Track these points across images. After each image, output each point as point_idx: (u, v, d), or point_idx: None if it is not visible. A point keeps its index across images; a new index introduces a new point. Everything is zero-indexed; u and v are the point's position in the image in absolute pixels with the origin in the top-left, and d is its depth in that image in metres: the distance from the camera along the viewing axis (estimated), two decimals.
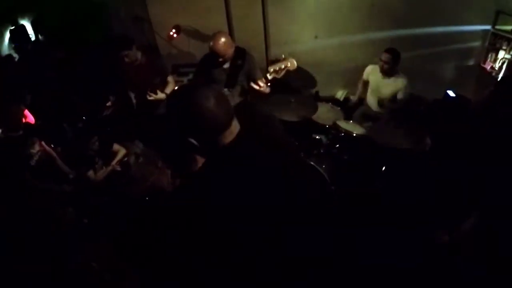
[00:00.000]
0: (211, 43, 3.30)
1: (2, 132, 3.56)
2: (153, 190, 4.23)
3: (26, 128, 3.62)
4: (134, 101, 4.26)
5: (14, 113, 3.59)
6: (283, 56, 3.14)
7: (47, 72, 4.83)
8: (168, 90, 3.95)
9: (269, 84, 3.25)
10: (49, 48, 5.02)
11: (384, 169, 3.50)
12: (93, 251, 3.22)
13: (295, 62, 3.12)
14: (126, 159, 4.37)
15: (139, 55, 3.92)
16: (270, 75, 3.18)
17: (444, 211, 2.82)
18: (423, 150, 3.39)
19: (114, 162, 4.22)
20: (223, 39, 3.31)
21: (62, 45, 5.00)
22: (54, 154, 3.84)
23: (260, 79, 3.25)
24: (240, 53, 3.54)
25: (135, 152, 4.60)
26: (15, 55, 4.87)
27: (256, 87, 3.21)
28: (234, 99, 3.60)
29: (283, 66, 3.13)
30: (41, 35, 5.01)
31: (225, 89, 3.59)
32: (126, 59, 3.85)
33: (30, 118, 4.20)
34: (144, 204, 3.95)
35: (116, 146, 4.30)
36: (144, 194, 4.10)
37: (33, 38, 4.95)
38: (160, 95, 3.82)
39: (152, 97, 3.80)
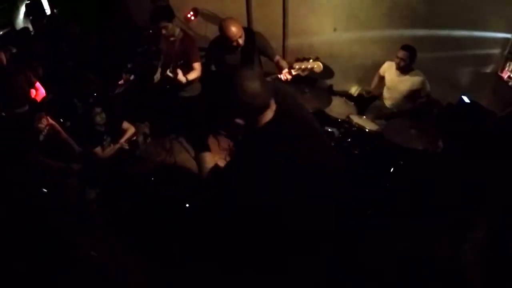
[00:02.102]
0: (222, 28, 3.32)
1: (7, 110, 3.52)
2: (159, 171, 4.26)
3: (32, 103, 3.59)
4: (158, 77, 4.05)
5: (19, 85, 3.55)
6: (311, 58, 3.14)
7: (62, 46, 4.81)
8: (192, 76, 3.76)
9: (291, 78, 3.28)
10: (65, 23, 4.99)
11: (393, 169, 3.48)
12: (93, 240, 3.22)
13: (322, 66, 3.14)
14: (135, 138, 4.39)
15: (177, 31, 3.75)
16: (295, 71, 3.21)
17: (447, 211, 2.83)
18: (435, 151, 3.38)
19: (122, 140, 4.23)
20: (234, 26, 3.32)
21: (77, 21, 4.97)
22: (61, 129, 3.84)
23: (278, 58, 3.42)
24: (249, 34, 3.55)
25: (144, 132, 4.61)
26: (31, 29, 4.86)
27: (283, 77, 3.26)
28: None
29: (309, 67, 3.15)
30: (56, 10, 4.99)
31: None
32: (164, 31, 3.65)
33: (41, 91, 4.18)
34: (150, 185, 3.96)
35: (125, 124, 4.30)
36: (150, 174, 4.13)
37: (48, 12, 4.93)
38: (181, 78, 3.63)
39: (170, 74, 3.65)
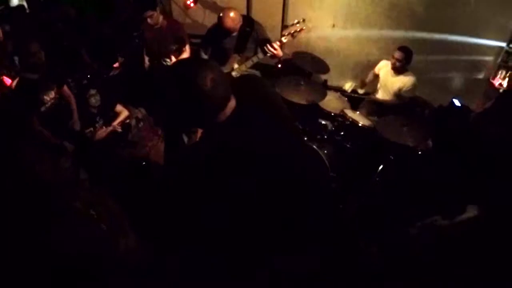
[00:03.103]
0: (221, 20, 3.45)
1: (20, 67, 3.46)
2: (150, 156, 4.25)
3: (44, 72, 3.54)
4: (147, 64, 4.20)
5: (33, 52, 3.50)
6: (296, 20, 3.25)
7: (57, 25, 4.76)
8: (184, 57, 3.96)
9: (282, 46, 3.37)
10: (61, 4, 4.94)
11: (383, 163, 3.54)
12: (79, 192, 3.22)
13: (310, 27, 3.28)
14: (128, 121, 4.37)
15: (161, 18, 3.91)
16: (285, 38, 3.32)
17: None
18: (425, 149, 3.46)
19: (115, 123, 4.21)
20: (232, 16, 3.45)
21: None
22: (74, 103, 3.80)
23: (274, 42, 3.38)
24: (248, 21, 3.67)
25: (137, 116, 4.59)
26: (26, 7, 4.79)
27: (272, 49, 3.32)
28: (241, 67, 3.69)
29: (298, 29, 3.26)
30: None
31: (235, 55, 3.70)
32: (149, 20, 3.82)
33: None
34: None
35: (119, 107, 4.27)
36: (141, 159, 4.12)
37: None
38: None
39: (167, 62, 3.88)
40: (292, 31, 3.29)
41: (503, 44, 4.39)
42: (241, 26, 3.58)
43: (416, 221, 2.83)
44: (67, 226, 1.04)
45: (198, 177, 1.51)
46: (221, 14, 3.45)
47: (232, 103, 1.47)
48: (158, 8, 3.84)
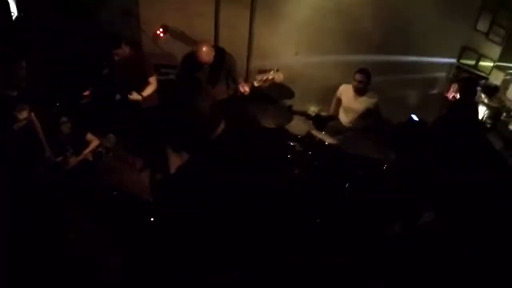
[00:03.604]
0: (196, 54, 3.61)
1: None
2: (120, 186, 4.22)
3: (22, 93, 3.54)
4: (118, 97, 4.23)
5: (14, 70, 3.51)
6: (271, 69, 3.45)
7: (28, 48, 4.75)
8: (147, 92, 4.02)
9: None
10: (32, 26, 4.94)
11: (351, 177, 3.70)
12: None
13: (282, 76, 3.45)
14: (99, 149, 4.35)
15: (127, 49, 3.97)
16: (257, 83, 3.46)
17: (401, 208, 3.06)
18: (388, 161, 3.64)
19: (86, 151, 4.19)
20: (206, 50, 3.63)
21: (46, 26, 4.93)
22: (40, 129, 3.76)
23: (241, 81, 3.61)
24: (220, 53, 3.80)
25: (106, 145, 4.57)
26: None
27: (242, 90, 3.49)
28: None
29: (270, 77, 3.43)
30: (23, 13, 4.95)
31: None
32: (116, 57, 3.92)
33: None
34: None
35: (89, 136, 4.27)
36: (112, 188, 4.09)
37: (15, 15, 4.88)
38: (136, 97, 3.95)
39: (131, 97, 3.95)
40: (265, 78, 3.47)
41: (453, 61, 4.79)
42: (214, 58, 3.72)
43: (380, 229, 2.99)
44: None
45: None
46: (195, 49, 3.61)
47: (220, 128, 1.63)
48: (123, 42, 3.89)
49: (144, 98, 3.97)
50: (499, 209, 2.89)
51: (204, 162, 1.69)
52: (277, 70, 3.45)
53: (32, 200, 3.35)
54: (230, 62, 3.84)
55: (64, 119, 3.99)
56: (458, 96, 4.67)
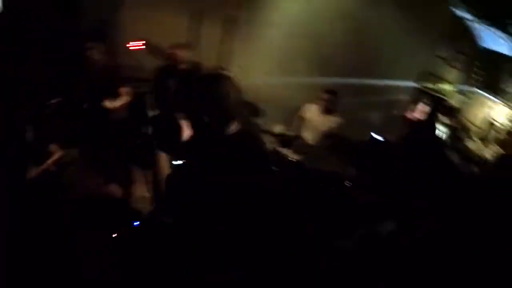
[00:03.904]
0: (170, 51, 3.76)
1: None
2: (88, 196, 4.14)
3: None
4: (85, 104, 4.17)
5: None
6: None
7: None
8: (120, 102, 4.00)
9: None
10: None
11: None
12: None
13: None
14: (63, 160, 4.27)
15: (102, 57, 3.89)
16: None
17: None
18: (350, 175, 3.77)
19: (49, 161, 4.10)
20: (184, 49, 3.82)
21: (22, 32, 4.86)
22: None
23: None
24: (195, 65, 3.97)
25: (73, 155, 4.50)
26: None
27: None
28: None
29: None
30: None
31: None
32: (94, 53, 3.77)
33: None
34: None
35: (53, 146, 4.20)
36: (79, 200, 4.00)
37: None
38: (109, 105, 3.93)
39: (104, 105, 3.90)
40: None
41: (415, 84, 5.03)
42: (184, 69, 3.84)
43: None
44: None
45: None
46: (170, 48, 3.76)
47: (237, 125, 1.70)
48: (103, 44, 3.83)
49: (118, 108, 3.96)
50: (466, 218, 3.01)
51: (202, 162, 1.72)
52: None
53: None
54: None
55: (28, 127, 3.92)
56: (419, 116, 4.93)
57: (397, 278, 2.60)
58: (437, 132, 4.40)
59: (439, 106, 5.06)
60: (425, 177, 3.47)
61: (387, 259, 2.72)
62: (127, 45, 5.28)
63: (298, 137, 4.82)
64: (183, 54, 3.78)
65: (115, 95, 3.97)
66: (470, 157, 4.65)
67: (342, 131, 4.47)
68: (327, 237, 3.13)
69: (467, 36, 5.37)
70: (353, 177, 3.78)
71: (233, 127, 1.71)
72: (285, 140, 4.71)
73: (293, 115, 5.05)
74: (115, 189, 4.37)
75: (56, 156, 4.18)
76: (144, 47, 5.28)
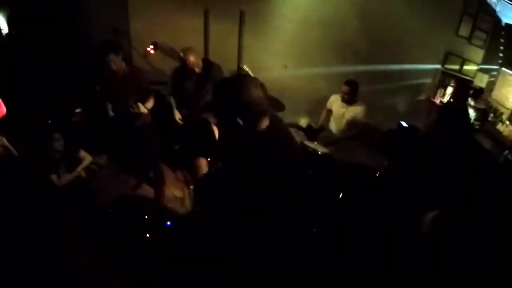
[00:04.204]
0: (184, 58, 3.71)
1: None
2: (115, 202, 4.20)
3: None
4: (110, 112, 4.20)
5: None
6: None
7: (19, 66, 4.73)
8: (149, 105, 4.06)
9: None
10: (22, 44, 4.94)
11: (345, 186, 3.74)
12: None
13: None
14: (92, 167, 4.34)
15: (123, 64, 3.97)
16: None
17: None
18: (381, 168, 3.70)
19: (79, 169, 4.17)
20: (193, 53, 3.74)
21: (36, 43, 4.93)
22: (15, 153, 3.74)
23: None
24: (207, 64, 3.90)
25: (99, 162, 4.56)
26: None
27: None
28: None
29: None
30: (14, 30, 4.94)
31: None
32: (112, 65, 3.87)
33: (2, 108, 4.01)
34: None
35: (82, 153, 4.26)
36: (106, 206, 4.06)
37: (4, 31, 4.87)
38: (143, 109, 3.99)
39: (135, 109, 3.95)
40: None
41: (438, 66, 4.91)
42: (201, 69, 3.82)
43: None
44: None
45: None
46: (181, 54, 3.68)
47: (267, 119, 1.67)
48: (120, 54, 3.88)
49: (143, 112, 4.02)
50: (499, 208, 2.95)
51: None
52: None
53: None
54: (218, 73, 3.91)
55: (56, 135, 3.98)
56: (446, 100, 4.82)
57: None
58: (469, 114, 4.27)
59: (465, 88, 4.93)
60: (458, 165, 3.39)
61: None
62: (143, 50, 5.30)
63: (324, 129, 4.81)
64: (193, 58, 3.72)
65: (139, 101, 4.01)
66: (503, 141, 4.52)
67: (367, 120, 4.41)
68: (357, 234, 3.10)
69: (489, 12, 5.22)
70: (383, 169, 3.72)
71: (263, 124, 1.69)
72: (311, 133, 4.70)
73: (317, 107, 5.03)
74: (147, 191, 4.45)
75: (85, 163, 4.27)
76: (158, 50, 5.32)
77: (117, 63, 3.88)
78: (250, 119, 1.67)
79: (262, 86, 1.71)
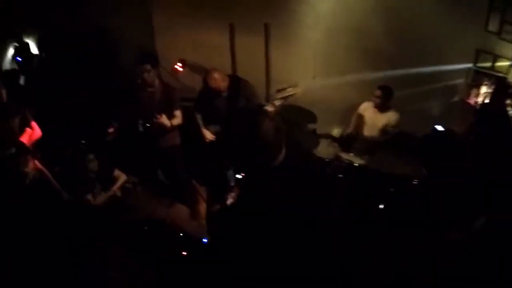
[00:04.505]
0: (205, 80, 3.65)
1: None
2: (150, 220, 4.23)
3: (19, 146, 3.57)
4: (141, 129, 4.15)
5: (9, 127, 3.55)
6: (289, 86, 3.43)
7: (51, 89, 4.85)
8: (175, 122, 3.98)
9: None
10: (53, 66, 5.06)
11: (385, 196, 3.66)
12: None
13: (300, 89, 3.57)
14: (127, 185, 4.39)
15: (156, 81, 3.89)
16: (278, 101, 3.49)
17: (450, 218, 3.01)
18: (421, 178, 3.60)
19: (114, 187, 4.22)
20: (216, 75, 3.65)
21: (65, 65, 5.04)
22: (49, 175, 3.79)
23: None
24: (235, 80, 3.84)
25: (134, 181, 4.61)
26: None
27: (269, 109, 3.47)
28: None
29: (291, 93, 3.43)
30: (44, 54, 5.06)
31: None
32: (146, 75, 3.74)
33: (37, 131, 4.08)
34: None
35: (117, 172, 4.31)
36: (142, 223, 4.10)
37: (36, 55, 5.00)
38: (166, 121, 3.86)
39: (159, 120, 3.83)
40: (286, 95, 3.49)
41: (470, 65, 4.78)
42: (230, 86, 3.75)
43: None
44: None
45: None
46: (205, 76, 3.63)
47: (282, 154, 1.62)
48: (157, 69, 3.81)
49: (171, 127, 3.93)
50: None
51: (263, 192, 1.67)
52: (296, 85, 3.48)
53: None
54: (247, 88, 3.86)
55: (90, 156, 4.03)
56: (480, 100, 4.67)
57: None
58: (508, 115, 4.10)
59: (505, 86, 4.76)
60: (501, 168, 3.26)
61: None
62: (171, 67, 5.34)
63: (358, 138, 4.73)
64: (215, 80, 3.66)
65: (170, 116, 3.95)
66: None
67: (401, 126, 4.31)
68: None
69: None
70: (422, 177, 3.61)
71: (280, 158, 1.63)
72: (345, 143, 4.63)
73: (349, 116, 4.96)
74: (180, 208, 4.48)
75: (120, 181, 4.32)
76: (186, 67, 5.36)
77: (151, 75, 3.75)
78: (264, 156, 1.61)
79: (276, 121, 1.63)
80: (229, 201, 3.96)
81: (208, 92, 3.82)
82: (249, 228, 1.60)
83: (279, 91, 3.64)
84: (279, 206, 1.50)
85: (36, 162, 3.67)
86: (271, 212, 1.50)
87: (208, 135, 4.17)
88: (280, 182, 1.58)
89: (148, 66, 3.71)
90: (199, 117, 4.11)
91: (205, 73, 3.68)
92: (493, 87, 4.64)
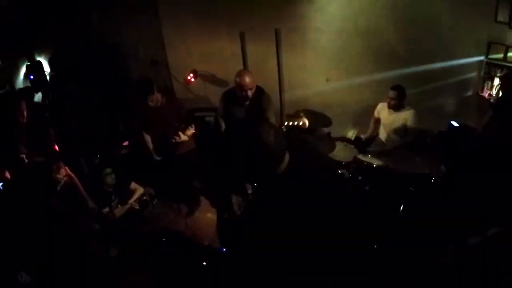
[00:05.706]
0: (238, 78, 3.58)
1: (26, 156, 3.47)
2: (168, 231, 4.23)
3: (49, 154, 3.62)
4: (150, 144, 4.24)
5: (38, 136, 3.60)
6: (299, 114, 3.66)
7: (65, 105, 4.91)
8: (189, 132, 4.11)
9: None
10: (66, 85, 5.11)
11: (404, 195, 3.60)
12: None
13: (307, 123, 3.60)
14: (144, 198, 4.41)
15: (159, 96, 3.99)
16: (285, 128, 3.63)
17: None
18: (439, 175, 3.54)
19: (132, 200, 4.24)
20: (248, 74, 3.63)
21: (78, 82, 5.10)
22: (78, 182, 3.82)
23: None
24: (258, 92, 3.78)
25: (150, 193, 4.63)
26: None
27: None
28: None
29: (296, 123, 3.61)
30: (56, 72, 5.12)
31: None
32: (150, 103, 3.94)
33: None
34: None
35: (133, 185, 4.34)
36: (160, 235, 4.10)
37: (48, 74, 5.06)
38: (183, 137, 4.04)
39: (177, 139, 4.01)
40: (293, 124, 3.63)
41: (482, 57, 4.72)
42: (254, 96, 3.70)
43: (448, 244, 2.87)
44: None
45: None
46: (237, 78, 3.59)
47: (286, 160, 1.59)
48: (155, 90, 3.94)
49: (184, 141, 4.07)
50: None
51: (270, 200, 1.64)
52: (302, 117, 3.64)
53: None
54: (266, 101, 3.80)
55: (107, 170, 4.08)
56: (495, 92, 4.59)
57: None
58: None
59: None
60: None
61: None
62: (184, 78, 5.39)
63: (374, 139, 4.70)
64: (248, 80, 3.60)
65: (179, 130, 4.07)
66: None
67: (417, 124, 4.26)
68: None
69: None
70: (441, 175, 3.55)
71: (283, 166, 1.60)
72: (362, 145, 4.59)
73: (363, 118, 4.93)
74: (198, 218, 4.47)
75: (137, 194, 4.34)
76: (198, 77, 5.40)
77: (153, 99, 3.94)
78: (268, 165, 1.59)
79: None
80: (239, 209, 4.01)
81: (231, 98, 3.80)
82: (262, 238, 1.58)
83: (289, 117, 3.79)
84: (291, 212, 1.48)
85: (67, 169, 3.73)
86: (284, 219, 1.48)
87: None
88: (290, 189, 1.56)
89: (150, 95, 3.90)
90: (221, 121, 4.06)
91: (237, 72, 3.67)
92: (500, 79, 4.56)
